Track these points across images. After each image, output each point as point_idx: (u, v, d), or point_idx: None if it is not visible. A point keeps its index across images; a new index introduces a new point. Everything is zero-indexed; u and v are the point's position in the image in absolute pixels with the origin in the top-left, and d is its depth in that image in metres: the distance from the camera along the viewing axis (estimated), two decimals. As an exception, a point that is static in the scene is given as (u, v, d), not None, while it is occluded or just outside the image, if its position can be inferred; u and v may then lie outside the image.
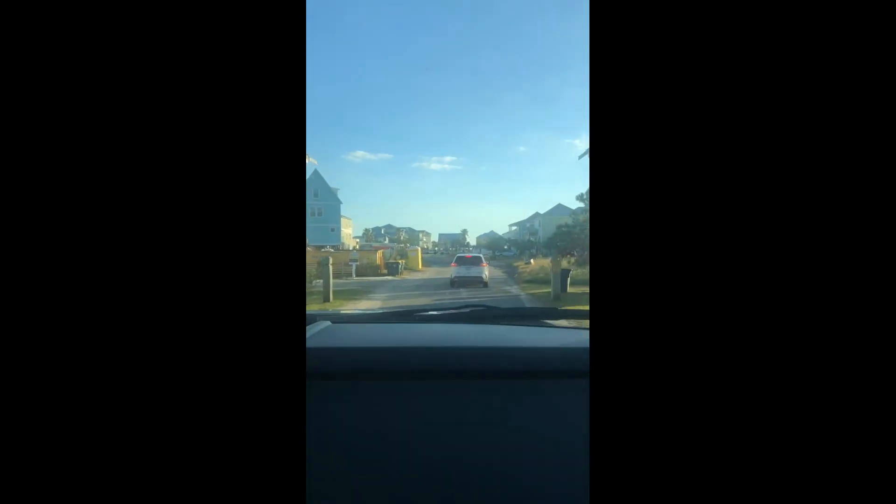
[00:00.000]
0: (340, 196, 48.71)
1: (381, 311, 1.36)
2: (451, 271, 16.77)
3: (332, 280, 11.86)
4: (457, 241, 67.76)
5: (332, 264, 20.41)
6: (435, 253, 58.53)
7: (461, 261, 16.37)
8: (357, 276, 19.66)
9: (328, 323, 1.14)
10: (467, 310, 1.29)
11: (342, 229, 47.72)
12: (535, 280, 16.96)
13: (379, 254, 23.44)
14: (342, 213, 48.36)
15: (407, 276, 21.15)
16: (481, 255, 18.01)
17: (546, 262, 22.61)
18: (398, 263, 21.58)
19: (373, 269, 21.10)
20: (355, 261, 20.26)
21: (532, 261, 26.39)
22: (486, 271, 15.90)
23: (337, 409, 0.81)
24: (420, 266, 26.54)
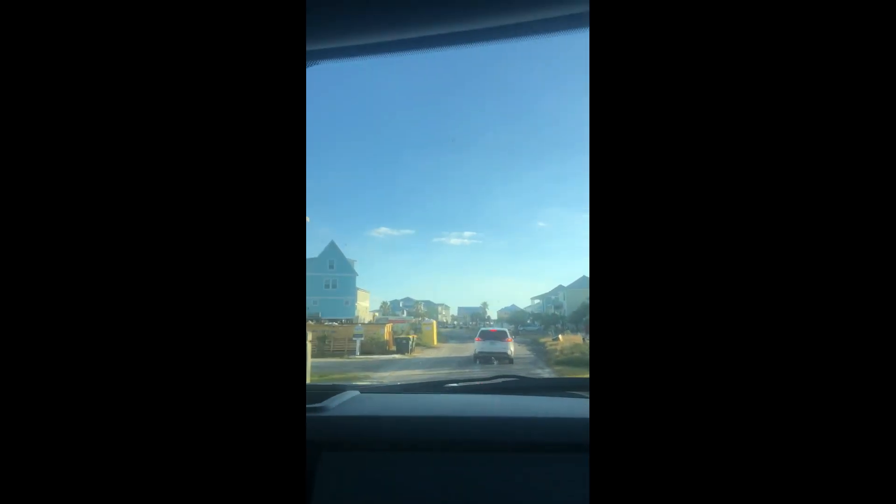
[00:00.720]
0: (360, 269, 47.26)
1: (411, 383, 1.33)
2: (470, 348, 15.92)
3: (309, 359, 9.35)
4: (477, 314, 65.05)
5: (335, 339, 18.09)
6: (454, 327, 55.99)
7: (485, 335, 15.86)
8: (362, 353, 17.13)
9: (357, 392, 1.13)
10: (499, 380, 1.25)
11: (358, 302, 45.79)
12: (571, 362, 14.11)
13: (387, 328, 20.88)
14: (359, 285, 46.69)
15: (419, 353, 18.49)
16: (506, 330, 17.21)
17: (578, 339, 19.82)
18: (409, 339, 18.92)
19: (380, 346, 18.50)
20: (360, 336, 17.78)
21: (560, 336, 23.35)
22: (511, 346, 15.35)
23: (362, 478, 0.81)
24: (435, 342, 23.81)
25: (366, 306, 50.52)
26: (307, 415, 0.89)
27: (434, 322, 28.03)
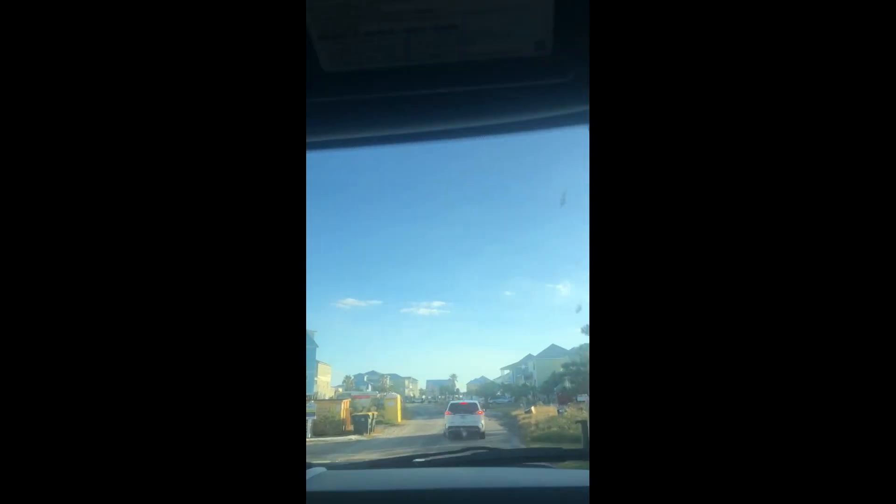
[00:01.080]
0: (322, 341, 44.86)
1: (378, 459, 1.36)
2: (439, 424, 15.43)
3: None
4: (445, 387, 62.35)
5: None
6: (422, 402, 53.06)
7: (455, 408, 15.52)
8: (314, 435, 15.13)
9: (323, 469, 1.12)
10: (468, 453, 1.27)
11: (319, 377, 42.89)
12: (549, 437, 12.66)
13: (344, 404, 18.80)
14: (321, 358, 44.00)
15: (379, 433, 16.55)
16: (476, 402, 16.83)
17: (552, 411, 18.39)
18: (368, 416, 16.97)
19: (335, 426, 16.47)
20: (311, 415, 15.82)
21: (532, 408, 21.70)
22: (482, 420, 14.91)
23: None
24: (399, 419, 21.73)
25: (327, 381, 47.36)
26: None
27: (398, 396, 25.83)
